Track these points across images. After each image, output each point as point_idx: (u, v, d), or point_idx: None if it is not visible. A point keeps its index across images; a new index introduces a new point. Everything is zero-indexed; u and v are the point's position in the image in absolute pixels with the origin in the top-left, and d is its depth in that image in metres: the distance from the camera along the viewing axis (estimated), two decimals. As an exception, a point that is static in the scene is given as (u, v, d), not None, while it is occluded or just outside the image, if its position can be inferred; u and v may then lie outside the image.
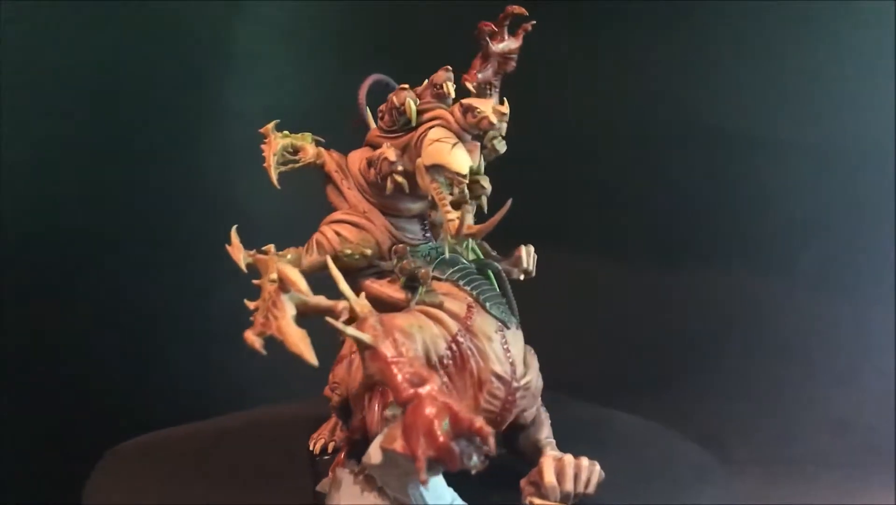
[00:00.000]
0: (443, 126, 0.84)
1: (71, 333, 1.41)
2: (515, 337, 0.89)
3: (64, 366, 1.40)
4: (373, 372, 0.75)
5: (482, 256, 0.95)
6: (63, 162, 1.42)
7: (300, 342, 0.76)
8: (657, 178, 1.71)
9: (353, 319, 0.78)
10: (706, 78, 1.68)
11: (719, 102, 1.68)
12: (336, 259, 0.87)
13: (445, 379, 0.85)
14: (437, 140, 0.82)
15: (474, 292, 0.88)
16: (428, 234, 0.93)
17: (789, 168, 1.68)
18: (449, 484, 0.82)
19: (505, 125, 0.84)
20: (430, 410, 0.69)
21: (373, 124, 0.96)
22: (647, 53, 1.68)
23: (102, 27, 1.45)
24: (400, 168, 0.85)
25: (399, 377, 0.73)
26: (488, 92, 0.97)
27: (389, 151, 0.86)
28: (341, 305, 0.79)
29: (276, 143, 0.91)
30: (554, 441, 0.94)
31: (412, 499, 0.78)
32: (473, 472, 0.68)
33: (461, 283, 0.89)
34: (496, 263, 0.94)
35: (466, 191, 0.81)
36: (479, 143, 0.85)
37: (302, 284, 0.79)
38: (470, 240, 0.94)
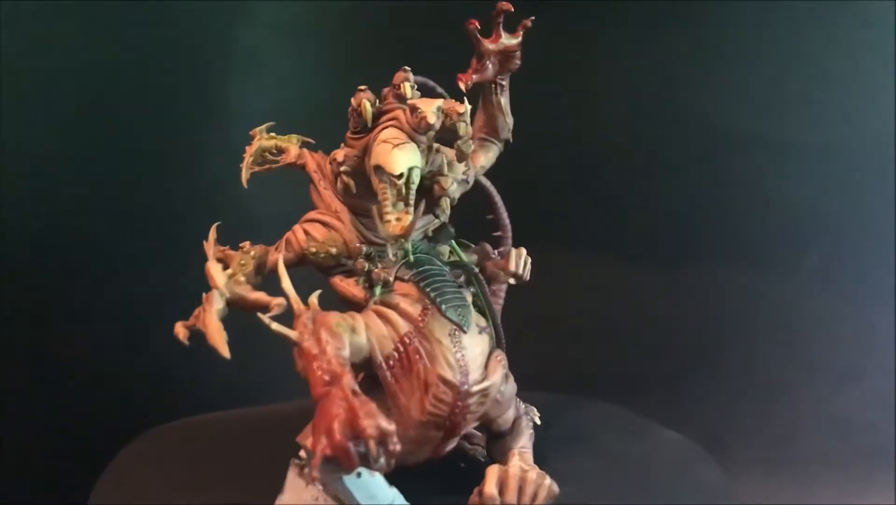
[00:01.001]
0: (395, 126, 0.84)
1: (72, 333, 1.41)
2: (473, 341, 0.87)
3: (66, 366, 1.40)
4: (299, 368, 0.76)
5: (465, 258, 0.95)
6: (65, 162, 1.42)
7: (216, 335, 0.81)
8: (660, 179, 1.71)
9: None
10: (710, 78, 1.68)
11: (723, 103, 1.68)
12: (304, 257, 0.90)
13: (391, 379, 0.85)
14: (384, 140, 0.82)
15: (433, 294, 0.87)
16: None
17: (793, 168, 1.68)
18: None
19: (464, 125, 0.84)
20: (333, 409, 0.69)
21: None
22: (652, 54, 1.68)
23: (105, 27, 1.45)
24: (343, 168, 0.86)
25: (316, 374, 0.73)
26: (495, 91, 0.97)
27: (339, 153, 0.87)
28: (275, 301, 0.82)
29: (256, 144, 0.93)
30: (529, 452, 0.92)
31: (343, 496, 0.79)
32: (380, 472, 0.70)
33: (422, 284, 0.88)
34: (472, 266, 0.94)
35: (405, 191, 0.80)
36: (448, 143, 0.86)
37: (219, 279, 0.85)
38: (452, 242, 0.95)
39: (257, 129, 0.95)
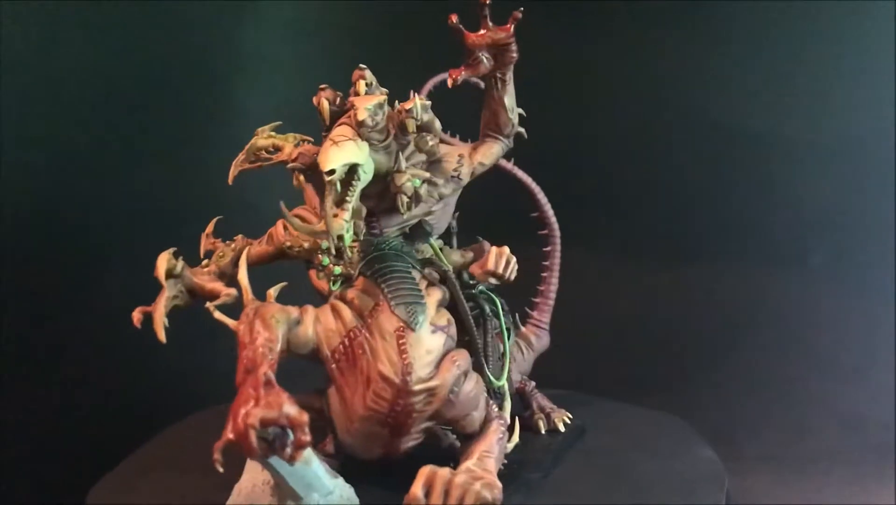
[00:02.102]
0: (346, 124, 0.83)
1: (74, 334, 1.41)
2: (423, 340, 0.86)
3: (68, 367, 1.41)
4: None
5: (442, 257, 0.95)
6: (71, 161, 1.43)
7: (157, 319, 0.90)
8: (666, 176, 1.70)
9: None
10: (717, 76, 1.68)
11: (729, 100, 1.68)
12: (282, 251, 0.94)
13: (337, 372, 0.87)
14: (329, 137, 0.82)
15: (386, 290, 0.87)
16: (374, 230, 0.91)
17: (799, 165, 1.68)
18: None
19: (412, 121, 0.84)
20: (243, 397, 0.71)
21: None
22: (658, 53, 1.68)
23: (112, 27, 1.46)
24: (291, 165, 0.87)
25: (242, 363, 0.76)
26: (495, 86, 0.97)
27: (295, 150, 0.89)
28: (225, 291, 0.90)
29: (251, 142, 0.95)
30: (492, 456, 0.88)
31: (280, 483, 0.81)
32: (292, 459, 0.70)
33: (379, 280, 0.88)
34: (442, 265, 0.94)
35: (340, 188, 0.79)
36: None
37: (161, 269, 0.91)
38: (430, 240, 0.95)
39: (263, 127, 0.96)
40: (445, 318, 0.90)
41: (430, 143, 0.86)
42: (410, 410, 0.86)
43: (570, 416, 1.14)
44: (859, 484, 1.49)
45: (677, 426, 1.21)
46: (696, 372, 1.68)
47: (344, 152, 0.79)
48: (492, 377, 0.98)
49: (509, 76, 0.97)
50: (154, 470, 1.05)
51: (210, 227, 0.92)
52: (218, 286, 0.93)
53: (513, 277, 0.95)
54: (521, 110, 1.00)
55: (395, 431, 0.88)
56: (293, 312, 0.86)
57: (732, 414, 1.64)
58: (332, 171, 0.78)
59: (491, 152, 0.99)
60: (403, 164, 0.86)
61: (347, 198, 0.80)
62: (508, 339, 1.06)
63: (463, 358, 0.89)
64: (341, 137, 0.81)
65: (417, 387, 0.85)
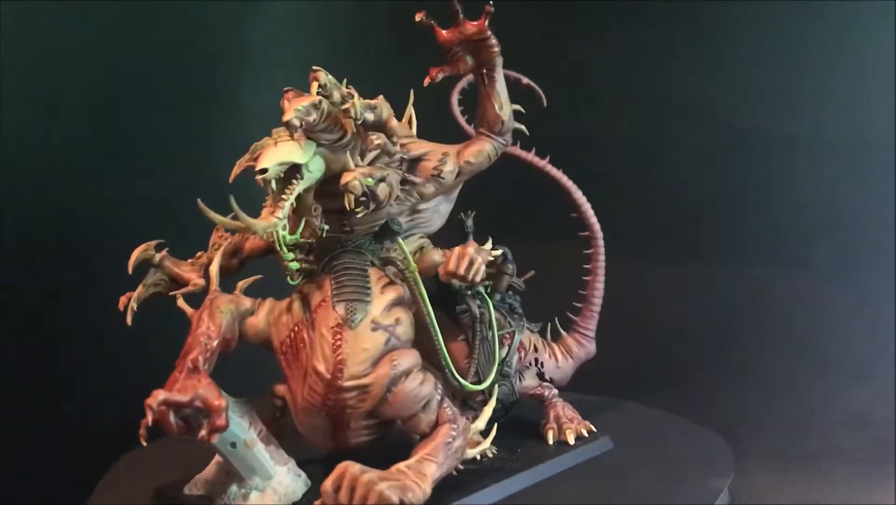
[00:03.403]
0: None
1: (74, 333, 1.41)
2: (359, 337, 0.87)
3: (68, 367, 1.41)
4: None
5: (409, 257, 0.95)
6: (76, 160, 1.43)
7: (127, 301, 0.99)
8: (670, 175, 1.70)
9: None
10: (720, 73, 1.68)
11: (732, 97, 1.68)
12: (271, 247, 0.95)
13: (284, 363, 0.90)
14: (273, 138, 0.85)
15: (333, 287, 0.89)
16: (346, 228, 0.93)
17: (803, 162, 1.68)
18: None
19: (350, 121, 0.84)
20: (169, 379, 0.81)
21: (464, 124, 1.04)
22: (662, 51, 1.68)
23: (118, 26, 1.46)
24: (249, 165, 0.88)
25: (183, 348, 0.85)
26: (482, 83, 0.96)
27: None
28: (194, 280, 0.97)
29: (258, 143, 0.93)
30: (433, 461, 0.86)
31: (227, 464, 0.91)
32: (206, 440, 0.81)
33: (332, 276, 0.90)
34: (398, 264, 0.93)
35: (275, 186, 0.82)
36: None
37: (133, 258, 0.99)
38: (399, 239, 0.94)
39: (278, 129, 0.93)
40: (394, 317, 0.90)
41: (377, 141, 0.86)
42: (343, 406, 0.87)
43: (592, 428, 1.11)
44: (862, 482, 1.49)
45: (679, 426, 1.22)
46: (699, 370, 1.68)
47: (278, 153, 0.81)
48: (462, 380, 0.96)
49: (496, 73, 0.95)
50: (153, 470, 1.05)
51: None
52: (190, 276, 0.98)
53: (478, 279, 0.93)
54: (517, 106, 0.99)
55: (336, 425, 0.89)
56: (246, 303, 0.91)
57: (736, 412, 1.64)
58: (263, 171, 0.80)
59: (479, 151, 0.98)
60: (352, 164, 0.87)
61: (284, 196, 0.81)
62: (511, 342, 1.06)
63: (405, 358, 0.88)
64: (283, 138, 0.83)
65: (348, 383, 0.86)
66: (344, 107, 0.84)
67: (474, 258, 0.93)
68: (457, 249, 0.94)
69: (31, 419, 1.37)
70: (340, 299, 0.88)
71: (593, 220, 1.18)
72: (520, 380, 1.10)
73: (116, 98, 1.46)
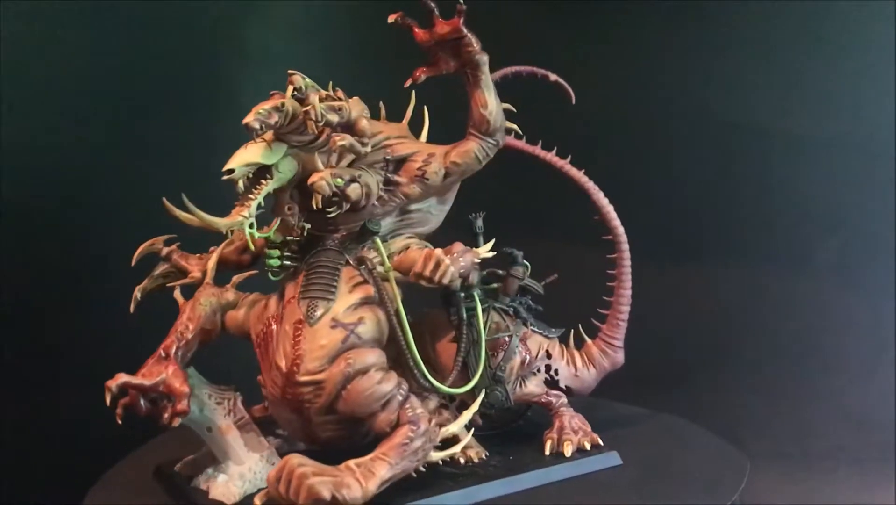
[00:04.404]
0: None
1: (74, 333, 1.41)
2: (317, 334, 0.88)
3: (67, 367, 1.41)
4: None
5: (385, 258, 0.94)
6: (74, 160, 1.43)
7: (135, 294, 1.03)
8: (671, 175, 1.70)
9: None
10: (722, 73, 1.68)
11: (734, 98, 1.68)
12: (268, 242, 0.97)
13: (259, 355, 0.93)
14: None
15: (302, 284, 0.91)
16: (331, 227, 0.94)
17: (805, 163, 1.68)
18: None
19: (311, 122, 0.85)
20: (142, 366, 0.89)
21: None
22: (664, 50, 1.68)
23: (117, 27, 1.46)
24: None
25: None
26: (468, 82, 0.95)
27: None
28: (192, 274, 1.01)
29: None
30: (386, 461, 0.86)
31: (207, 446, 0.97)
32: (168, 423, 0.88)
33: (305, 274, 0.92)
34: (370, 263, 0.93)
35: (241, 186, 0.85)
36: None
37: (139, 250, 1.03)
38: (377, 239, 0.94)
39: None
40: (357, 316, 0.90)
41: (340, 142, 0.87)
42: (301, 400, 0.88)
43: (598, 441, 1.05)
44: (864, 482, 1.49)
45: (682, 428, 1.22)
46: (701, 370, 1.68)
47: (245, 154, 0.85)
48: (434, 382, 0.94)
49: (479, 73, 0.94)
50: (152, 469, 1.05)
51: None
52: (194, 269, 1.02)
53: (445, 281, 0.91)
54: (508, 105, 0.97)
55: (300, 419, 0.90)
56: (229, 296, 0.96)
57: (738, 412, 1.64)
58: (230, 171, 0.83)
59: (466, 152, 0.96)
60: (320, 165, 0.89)
61: (251, 196, 0.85)
62: (508, 346, 1.04)
63: (361, 356, 0.88)
64: (256, 140, 0.86)
65: (304, 378, 0.88)
66: (304, 109, 0.85)
67: (441, 260, 0.91)
68: (424, 252, 0.93)
69: (30, 419, 1.37)
70: (305, 296, 0.90)
71: (616, 222, 1.13)
72: (521, 386, 1.06)
73: (116, 98, 1.45)
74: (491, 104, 0.95)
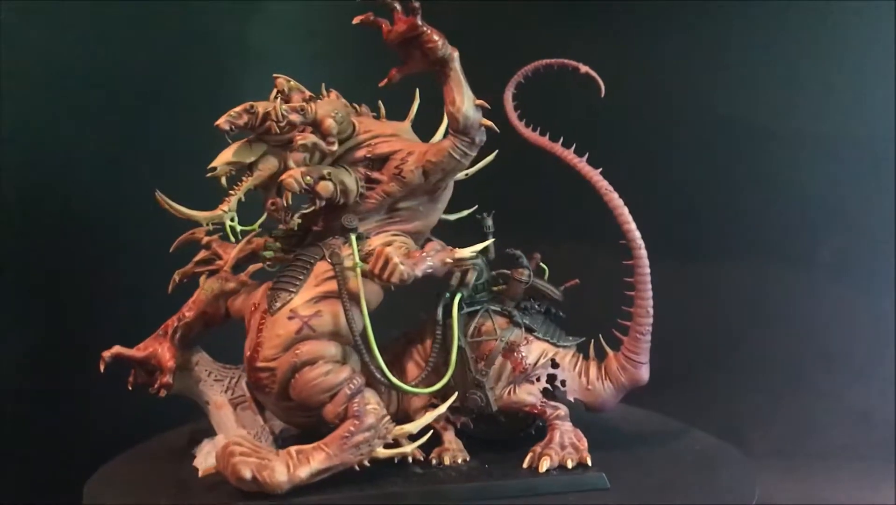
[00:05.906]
0: None
1: (74, 332, 1.41)
2: (276, 324, 0.93)
3: (67, 366, 1.40)
4: None
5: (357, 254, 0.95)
6: (75, 160, 1.43)
7: (175, 276, 1.07)
8: (672, 173, 1.70)
9: None
10: (722, 70, 1.67)
11: (735, 95, 1.67)
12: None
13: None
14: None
15: (277, 276, 0.97)
16: (319, 223, 1.00)
17: (807, 160, 1.68)
18: None
19: (273, 123, 0.90)
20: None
21: (516, 121, 1.04)
22: (665, 49, 1.67)
23: (117, 26, 1.46)
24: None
25: None
26: (439, 78, 0.93)
27: None
28: (218, 263, 1.06)
29: None
30: (322, 451, 0.89)
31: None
32: (155, 393, 1.02)
33: (283, 267, 0.98)
34: (340, 260, 0.95)
35: (224, 183, 0.91)
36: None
37: (178, 240, 1.08)
38: (351, 237, 0.96)
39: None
40: (315, 309, 0.93)
41: (300, 141, 0.92)
42: (262, 385, 0.94)
43: (587, 461, 0.99)
44: (865, 479, 1.49)
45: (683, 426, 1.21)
46: (703, 369, 1.68)
47: (227, 153, 0.92)
48: (392, 378, 0.94)
49: (448, 69, 0.92)
50: (150, 465, 1.07)
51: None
52: (227, 256, 1.06)
53: (394, 280, 0.91)
54: (482, 102, 0.94)
55: (268, 403, 0.97)
56: (232, 284, 1.03)
57: (739, 410, 1.64)
58: (213, 169, 0.90)
59: (440, 150, 0.95)
60: (291, 163, 0.92)
61: (232, 192, 0.91)
62: (490, 351, 1.03)
63: (310, 348, 0.91)
64: (240, 140, 0.92)
65: (261, 364, 0.93)
66: (265, 110, 0.90)
67: (389, 258, 0.91)
68: (378, 248, 0.94)
69: (30, 419, 1.37)
70: (273, 288, 0.95)
71: (631, 226, 1.07)
72: (511, 392, 1.02)
73: (117, 98, 1.45)
74: (458, 101, 0.92)
